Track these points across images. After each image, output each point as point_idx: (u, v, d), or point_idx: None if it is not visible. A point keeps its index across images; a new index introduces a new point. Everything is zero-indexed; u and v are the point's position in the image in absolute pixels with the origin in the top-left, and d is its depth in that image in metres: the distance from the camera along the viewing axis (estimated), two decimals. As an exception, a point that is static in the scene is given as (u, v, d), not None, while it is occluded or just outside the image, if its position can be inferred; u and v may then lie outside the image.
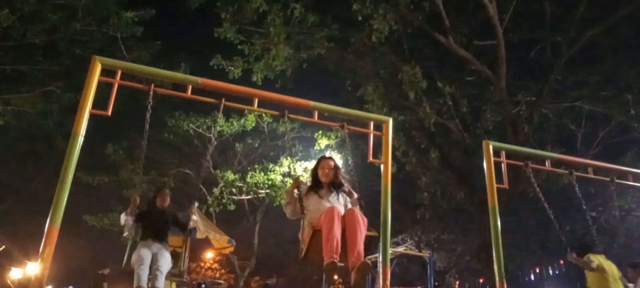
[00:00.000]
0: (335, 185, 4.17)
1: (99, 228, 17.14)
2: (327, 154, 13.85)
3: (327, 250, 3.42)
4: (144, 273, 4.66)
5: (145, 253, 4.78)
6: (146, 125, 4.64)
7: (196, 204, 5.29)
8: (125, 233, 4.91)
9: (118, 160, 15.76)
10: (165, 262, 4.91)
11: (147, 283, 4.71)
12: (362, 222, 3.65)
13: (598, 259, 5.74)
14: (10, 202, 18.94)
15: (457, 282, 25.27)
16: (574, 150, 14.00)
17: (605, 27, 11.60)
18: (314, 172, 4.26)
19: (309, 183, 4.31)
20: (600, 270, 5.65)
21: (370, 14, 10.41)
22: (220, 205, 14.50)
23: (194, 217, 5.16)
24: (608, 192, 13.46)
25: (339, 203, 4.09)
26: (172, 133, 15.69)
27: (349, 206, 4.07)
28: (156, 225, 5.08)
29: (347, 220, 3.63)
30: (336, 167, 4.24)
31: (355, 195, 4.18)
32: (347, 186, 4.23)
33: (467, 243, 20.90)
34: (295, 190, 4.08)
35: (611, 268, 5.75)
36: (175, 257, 10.06)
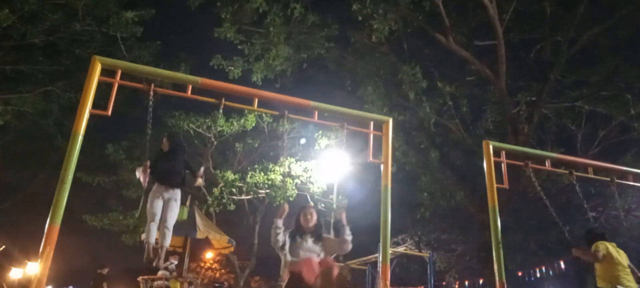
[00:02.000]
0: (315, 234, 4.40)
1: (99, 228, 17.14)
2: (327, 155, 13.87)
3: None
4: (153, 229, 5.03)
5: (156, 206, 5.06)
6: (148, 124, 4.68)
7: (203, 168, 5.41)
8: (144, 185, 5.07)
9: (118, 160, 15.76)
10: (173, 214, 5.18)
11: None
12: (331, 261, 3.93)
13: (605, 247, 5.52)
14: (10, 202, 18.93)
15: (457, 282, 25.25)
16: (574, 150, 13.99)
17: (605, 27, 11.59)
18: (297, 219, 4.46)
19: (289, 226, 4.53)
20: (608, 258, 5.45)
21: (370, 14, 10.41)
22: (220, 205, 14.48)
23: (201, 180, 5.31)
24: (608, 192, 13.45)
25: (316, 251, 4.31)
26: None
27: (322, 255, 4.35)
28: (166, 169, 5.20)
29: (324, 266, 3.87)
30: (315, 215, 4.51)
31: (345, 237, 4.43)
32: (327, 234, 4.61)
33: (467, 243, 20.90)
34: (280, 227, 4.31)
35: (620, 256, 5.54)
36: (171, 256, 10.03)
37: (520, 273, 21.68)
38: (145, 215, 5.16)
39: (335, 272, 3.68)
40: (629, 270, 5.50)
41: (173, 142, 5.43)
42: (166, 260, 9.87)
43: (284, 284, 4.12)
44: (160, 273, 9.45)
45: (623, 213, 15.14)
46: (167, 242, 5.25)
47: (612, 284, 5.34)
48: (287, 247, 4.30)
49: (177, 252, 10.97)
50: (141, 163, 5.15)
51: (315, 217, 4.47)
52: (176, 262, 10.43)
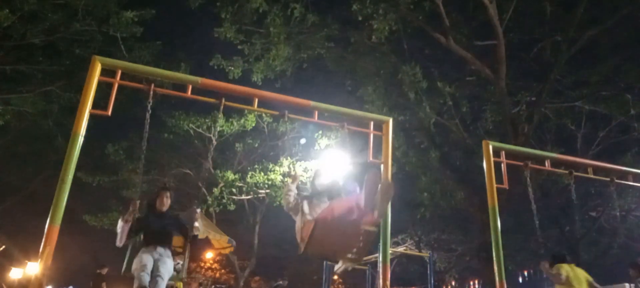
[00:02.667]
0: (331, 195, 4.23)
1: (99, 228, 17.12)
2: (327, 155, 13.86)
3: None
4: (145, 278, 4.33)
5: (147, 259, 4.44)
6: (146, 125, 4.65)
7: (199, 210, 5.04)
8: (118, 243, 4.53)
9: (118, 160, 15.75)
10: (167, 269, 4.57)
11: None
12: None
13: (566, 270, 5.78)
14: (10, 202, 18.93)
15: (457, 282, 25.24)
16: (574, 150, 14.00)
17: (605, 27, 11.59)
18: (312, 182, 4.38)
19: (307, 186, 4.41)
20: (568, 282, 5.70)
21: (370, 14, 10.41)
22: (220, 205, 14.48)
23: (197, 224, 4.93)
24: (608, 192, 13.45)
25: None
26: (172, 133, 15.68)
27: None
28: (157, 231, 4.70)
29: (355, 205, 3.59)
30: (333, 175, 4.41)
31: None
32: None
33: (467, 243, 20.90)
34: (295, 189, 4.20)
35: (580, 277, 5.81)
36: (176, 256, 10.04)
37: (520, 273, 21.68)
38: (131, 273, 4.44)
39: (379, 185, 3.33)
40: None
41: (172, 202, 4.92)
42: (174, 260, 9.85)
43: (305, 243, 3.79)
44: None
45: (623, 213, 15.16)
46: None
47: None
48: (305, 206, 4.04)
49: (177, 251, 10.96)
50: (123, 213, 4.57)
51: (329, 177, 4.34)
52: (182, 262, 10.41)
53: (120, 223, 4.53)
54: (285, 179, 14.14)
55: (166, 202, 4.84)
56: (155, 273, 4.43)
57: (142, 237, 4.70)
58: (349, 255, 3.73)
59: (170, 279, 8.92)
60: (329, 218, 3.57)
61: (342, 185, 4.32)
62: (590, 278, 5.87)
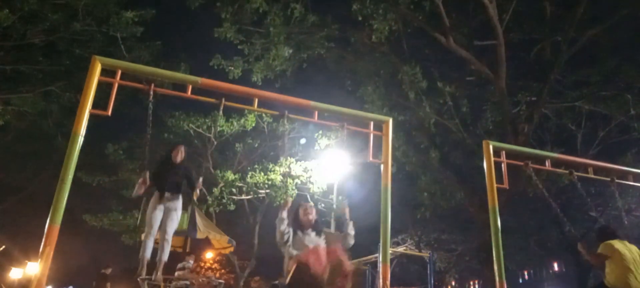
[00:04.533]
0: (316, 228, 4.40)
1: (99, 228, 17.13)
2: (327, 155, 13.86)
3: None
4: (150, 244, 5.03)
5: (155, 216, 5.05)
6: (148, 124, 4.68)
7: (201, 179, 5.37)
8: (134, 194, 5.03)
9: (118, 160, 15.75)
10: (173, 224, 5.15)
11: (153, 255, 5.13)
12: (341, 252, 3.92)
13: (612, 248, 5.19)
14: (10, 202, 18.93)
15: (457, 282, 25.26)
16: (574, 150, 13.99)
17: (605, 27, 11.59)
18: (296, 215, 4.46)
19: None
20: (616, 259, 5.13)
21: (370, 14, 10.42)
22: (220, 205, 14.47)
23: (197, 192, 5.30)
24: (608, 192, 13.45)
25: (320, 243, 4.32)
26: (172, 133, 15.67)
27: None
28: (170, 178, 5.19)
29: (330, 256, 3.89)
30: (314, 210, 4.52)
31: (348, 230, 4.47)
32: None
33: (467, 243, 20.90)
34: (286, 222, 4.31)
35: (631, 252, 5.19)
36: (176, 257, 10.04)
37: (520, 273, 21.70)
38: (144, 224, 5.12)
39: (346, 266, 3.62)
40: None
41: (185, 156, 5.40)
42: (183, 260, 9.91)
43: (289, 276, 4.03)
44: (177, 273, 9.44)
45: (623, 214, 15.14)
46: (166, 255, 5.22)
47: (617, 285, 5.10)
48: (290, 241, 4.27)
49: (177, 251, 10.98)
50: (141, 172, 5.10)
51: (314, 212, 4.47)
52: (193, 262, 10.45)
53: (139, 182, 4.98)
54: (286, 180, 14.13)
55: (181, 154, 5.29)
56: (162, 235, 5.10)
57: (155, 186, 5.15)
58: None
59: (185, 279, 8.92)
60: (308, 264, 3.76)
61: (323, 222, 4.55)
62: None
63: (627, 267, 5.07)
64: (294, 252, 4.18)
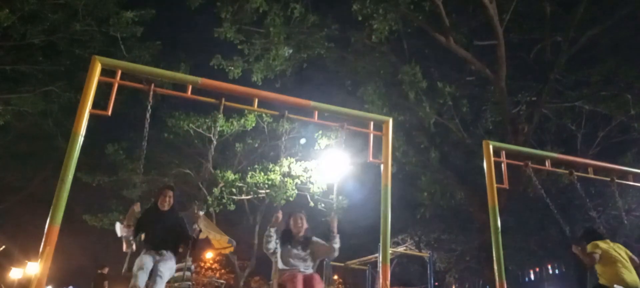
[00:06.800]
0: (304, 241, 4.56)
1: (99, 228, 17.13)
2: (327, 155, 13.86)
3: None
4: (142, 277, 4.18)
5: (146, 260, 4.29)
6: (146, 124, 4.65)
7: (202, 213, 4.84)
8: (126, 249, 4.48)
9: (118, 160, 15.75)
10: (167, 268, 4.38)
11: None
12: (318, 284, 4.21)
13: (601, 247, 5.43)
14: (10, 202, 18.93)
15: (457, 282, 25.25)
16: (574, 150, 13.99)
17: (605, 27, 11.59)
18: (286, 224, 4.60)
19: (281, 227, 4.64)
20: (606, 258, 5.38)
21: (370, 14, 10.41)
22: (220, 205, 14.48)
23: (196, 226, 4.67)
24: (608, 192, 13.44)
25: (304, 259, 4.50)
26: (172, 133, 15.68)
27: (311, 264, 4.56)
28: (159, 233, 4.50)
29: (307, 284, 4.13)
30: (304, 222, 4.64)
31: (333, 244, 4.58)
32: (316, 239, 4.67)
33: (467, 243, 20.90)
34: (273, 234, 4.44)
35: (619, 252, 5.45)
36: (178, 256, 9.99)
37: (520, 273, 21.69)
38: (130, 274, 4.31)
39: None
40: (629, 263, 5.42)
41: (175, 201, 4.71)
42: (183, 259, 9.82)
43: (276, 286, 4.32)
44: (176, 274, 9.40)
45: (623, 213, 15.14)
46: None
47: (612, 283, 5.27)
48: (278, 253, 4.43)
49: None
50: (124, 217, 4.47)
51: (304, 223, 4.61)
52: (192, 263, 10.42)
53: (118, 226, 4.49)
54: (286, 180, 14.12)
55: (168, 201, 4.64)
56: (155, 273, 4.28)
57: (143, 237, 4.56)
58: None
59: (188, 280, 8.82)
60: (287, 284, 4.07)
61: (313, 237, 4.65)
62: (630, 253, 5.54)
63: (617, 264, 5.32)
64: (281, 266, 4.38)
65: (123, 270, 4.64)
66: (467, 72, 13.35)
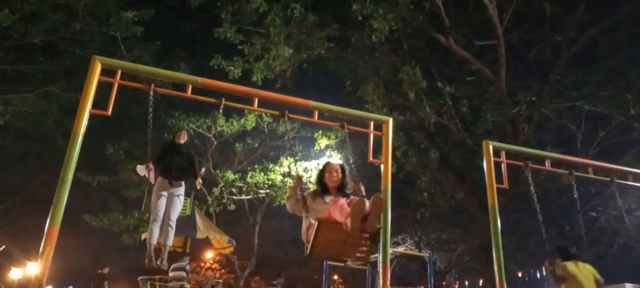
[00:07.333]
0: (341, 190, 4.00)
1: (99, 228, 17.13)
2: (327, 155, 13.86)
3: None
4: (156, 229, 5.28)
5: (160, 203, 5.30)
6: (149, 123, 4.68)
7: (204, 169, 5.74)
8: (152, 181, 5.32)
9: (118, 160, 15.75)
10: (176, 210, 5.43)
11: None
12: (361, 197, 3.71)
13: (569, 270, 5.65)
14: (10, 202, 18.93)
15: (457, 282, 25.23)
16: (574, 150, 13.99)
17: (605, 27, 11.59)
18: (321, 177, 4.08)
19: (312, 188, 4.22)
20: (571, 278, 5.60)
21: (370, 14, 10.41)
22: (220, 205, 14.48)
23: (200, 181, 5.43)
24: (608, 192, 13.45)
25: (342, 202, 3.83)
26: (172, 133, 15.67)
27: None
28: (175, 164, 5.45)
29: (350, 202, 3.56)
30: (343, 171, 4.07)
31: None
32: (352, 187, 4.10)
33: (467, 243, 20.88)
34: (298, 190, 4.03)
35: (585, 274, 5.66)
36: (177, 256, 10.04)
37: (520, 273, 21.65)
38: (148, 210, 5.46)
39: (368, 204, 3.33)
40: (593, 285, 5.63)
41: (188, 140, 5.72)
42: (180, 259, 9.89)
43: (310, 244, 3.68)
44: (172, 273, 9.40)
45: (624, 214, 15.15)
46: (170, 240, 5.44)
47: None
48: (309, 204, 3.90)
49: (176, 251, 10.97)
50: (142, 161, 5.35)
51: (340, 174, 4.02)
52: (188, 263, 10.40)
53: (139, 167, 5.33)
54: (286, 180, 14.13)
55: (184, 136, 5.69)
56: (166, 222, 5.33)
57: (159, 170, 5.43)
58: (357, 254, 3.72)
59: (182, 280, 9.07)
60: (331, 220, 3.50)
61: (347, 181, 4.09)
62: (597, 275, 5.73)
63: (581, 286, 5.56)
64: (313, 221, 3.73)
65: (143, 207, 5.86)
66: (467, 72, 13.34)
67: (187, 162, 5.62)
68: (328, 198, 3.88)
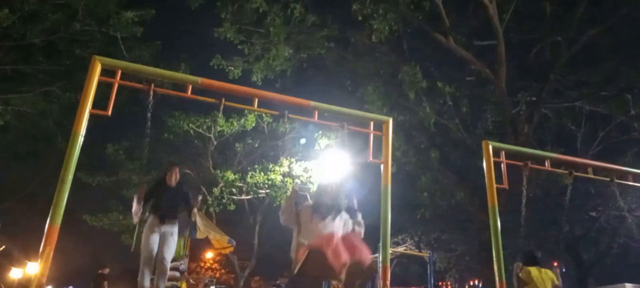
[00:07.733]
0: (335, 211, 3.93)
1: (99, 228, 17.13)
2: (327, 155, 13.84)
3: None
4: (147, 272, 4.89)
5: (152, 242, 4.91)
6: (147, 124, 4.68)
7: (201, 197, 5.40)
8: (135, 220, 4.99)
9: (118, 160, 15.75)
10: (170, 251, 5.04)
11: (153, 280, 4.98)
12: (361, 244, 3.42)
13: (532, 275, 5.75)
14: (10, 202, 18.92)
15: (457, 282, 25.24)
16: (574, 150, 13.98)
17: (605, 27, 11.58)
18: (318, 195, 4.08)
19: (308, 201, 4.13)
20: (531, 283, 5.70)
21: (370, 14, 10.41)
22: (220, 205, 14.47)
23: (201, 197, 5.38)
24: (608, 191, 13.45)
25: (338, 226, 3.88)
26: (171, 133, 15.67)
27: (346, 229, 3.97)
28: (166, 203, 5.12)
29: (346, 242, 3.40)
30: (338, 189, 4.05)
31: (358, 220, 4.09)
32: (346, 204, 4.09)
33: (467, 243, 20.89)
34: (294, 205, 4.00)
35: (544, 277, 5.77)
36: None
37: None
38: (139, 250, 5.00)
39: (366, 263, 3.18)
40: None
41: (181, 177, 5.37)
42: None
43: (299, 265, 3.55)
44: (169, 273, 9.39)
45: (624, 214, 15.15)
46: (164, 283, 5.06)
47: None
48: (303, 220, 3.82)
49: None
50: (140, 184, 5.17)
51: (336, 191, 4.00)
52: (184, 265, 10.39)
53: (135, 204, 4.95)
54: (286, 180, 14.12)
55: (175, 176, 5.27)
56: (159, 262, 4.94)
57: (150, 210, 5.14)
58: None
59: (176, 280, 9.05)
60: (322, 251, 3.27)
61: (344, 203, 4.04)
62: (556, 281, 5.87)
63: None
64: (305, 242, 3.66)
65: (132, 247, 5.37)
66: (467, 72, 13.34)
67: (181, 200, 5.29)
68: (322, 223, 3.76)
